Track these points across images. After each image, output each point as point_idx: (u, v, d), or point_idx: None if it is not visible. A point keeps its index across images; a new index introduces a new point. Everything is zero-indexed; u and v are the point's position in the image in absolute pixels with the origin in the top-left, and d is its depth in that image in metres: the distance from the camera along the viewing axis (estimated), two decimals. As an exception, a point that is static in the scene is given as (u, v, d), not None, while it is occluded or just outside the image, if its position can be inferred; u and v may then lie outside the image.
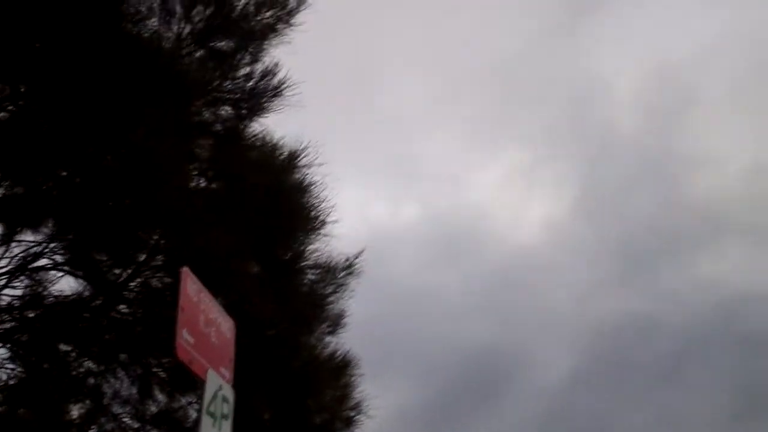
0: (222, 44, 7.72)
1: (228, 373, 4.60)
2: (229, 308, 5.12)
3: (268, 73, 7.82)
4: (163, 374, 7.50)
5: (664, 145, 42.26)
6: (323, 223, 7.86)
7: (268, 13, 7.67)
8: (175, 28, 7.24)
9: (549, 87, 38.68)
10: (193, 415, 7.22)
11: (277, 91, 7.65)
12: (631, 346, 37.68)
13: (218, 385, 4.37)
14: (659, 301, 42.67)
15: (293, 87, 7.85)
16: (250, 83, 7.84)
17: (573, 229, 37.48)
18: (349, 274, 7.89)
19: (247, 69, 7.81)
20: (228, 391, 4.51)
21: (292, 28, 7.76)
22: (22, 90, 6.68)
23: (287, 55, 8.20)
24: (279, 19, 7.72)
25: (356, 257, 7.96)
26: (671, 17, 40.12)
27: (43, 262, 7.44)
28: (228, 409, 4.44)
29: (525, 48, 37.76)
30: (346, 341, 8.62)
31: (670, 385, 41.76)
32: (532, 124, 38.89)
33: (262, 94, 7.69)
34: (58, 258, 7.39)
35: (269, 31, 7.69)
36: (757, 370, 43.00)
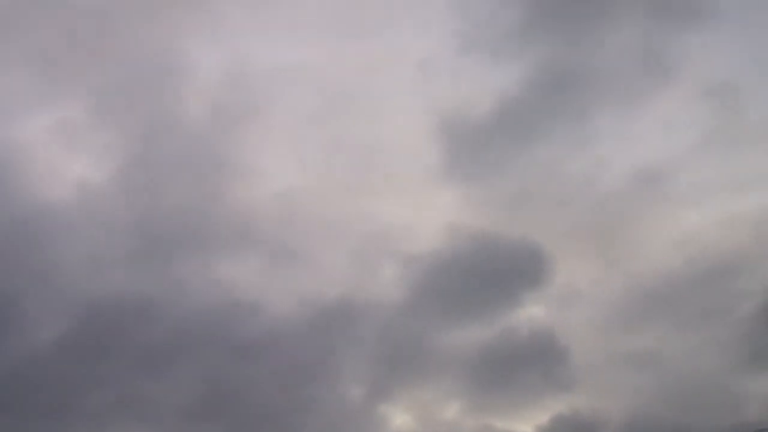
0: None
1: None
2: None
3: None
4: None
5: (221, 148, 44.13)
6: None
7: None
8: None
9: (124, 54, 37.88)
10: None
11: None
12: (129, 326, 38.29)
13: None
14: (167, 290, 44.08)
15: None
16: None
17: (106, 199, 36.90)
18: None
19: None
20: None
21: None
22: None
23: None
24: None
25: None
26: (268, 31, 42.06)
27: None
28: None
29: (115, 9, 36.68)
30: None
31: (152, 370, 43.36)
32: (98, 85, 37.68)
33: None
34: None
35: None
36: (234, 373, 46.91)
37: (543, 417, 76.83)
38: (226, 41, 43.74)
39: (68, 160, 40.09)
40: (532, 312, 78.88)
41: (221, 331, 45.82)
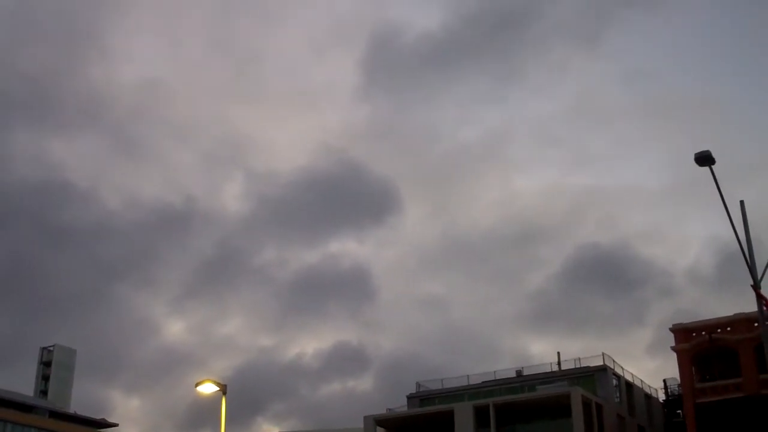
0: None
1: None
2: None
3: None
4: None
5: (87, 19, 40.94)
6: None
7: None
8: None
9: None
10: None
11: None
12: None
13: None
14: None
15: None
16: None
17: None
18: None
19: None
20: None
21: None
22: None
23: None
24: None
25: None
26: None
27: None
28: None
29: None
30: None
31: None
32: None
33: None
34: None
35: None
36: (42, 257, 45.80)
37: (326, 343, 79.79)
38: None
39: None
40: (357, 247, 79.40)
41: (42, 211, 44.32)
